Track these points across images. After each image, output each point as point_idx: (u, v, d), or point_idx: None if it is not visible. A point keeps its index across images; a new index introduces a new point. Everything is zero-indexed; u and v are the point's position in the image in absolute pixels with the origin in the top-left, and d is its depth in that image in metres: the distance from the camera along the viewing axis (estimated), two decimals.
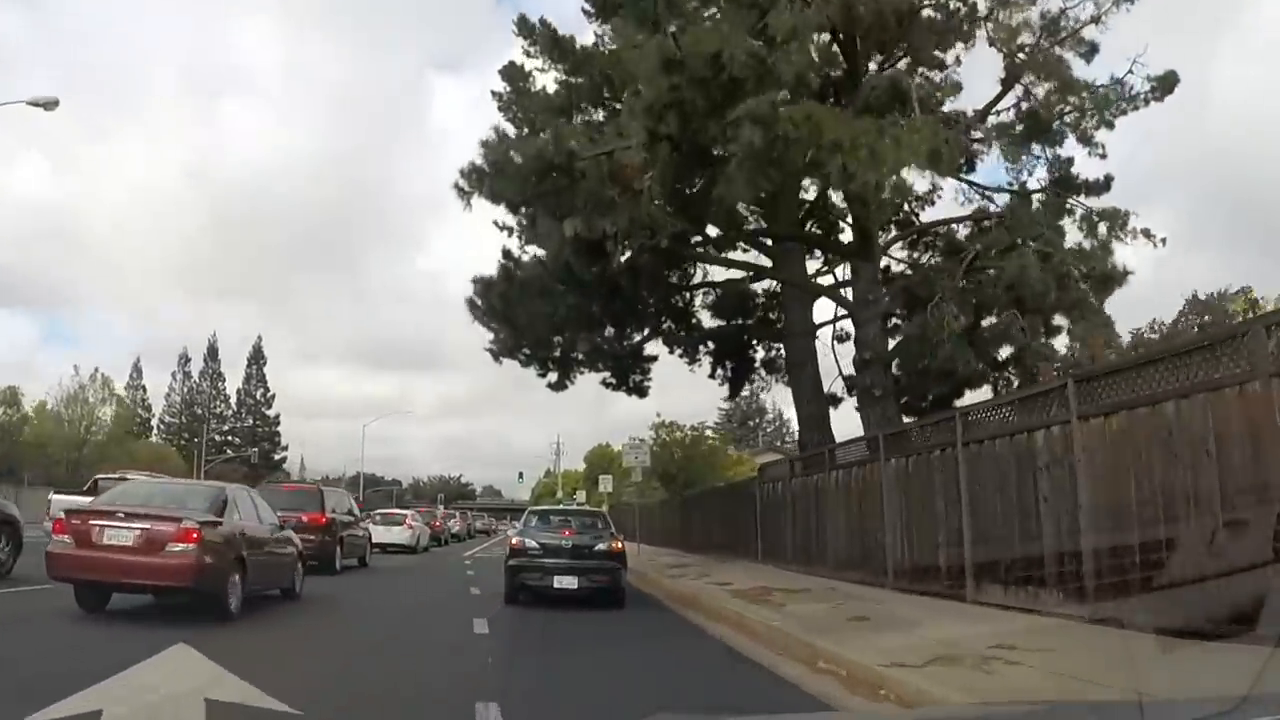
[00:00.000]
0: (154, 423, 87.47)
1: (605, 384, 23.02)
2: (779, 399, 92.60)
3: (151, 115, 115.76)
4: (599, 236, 12.70)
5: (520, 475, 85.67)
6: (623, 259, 14.23)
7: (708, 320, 24.65)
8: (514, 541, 12.86)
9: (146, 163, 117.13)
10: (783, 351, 24.15)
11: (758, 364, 23.34)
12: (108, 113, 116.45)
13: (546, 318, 16.84)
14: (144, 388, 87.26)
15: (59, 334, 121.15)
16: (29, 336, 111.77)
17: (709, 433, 36.75)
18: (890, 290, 16.78)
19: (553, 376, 21.26)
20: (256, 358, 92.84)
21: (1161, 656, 4.96)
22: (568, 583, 11.99)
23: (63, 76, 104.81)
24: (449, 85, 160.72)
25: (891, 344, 16.66)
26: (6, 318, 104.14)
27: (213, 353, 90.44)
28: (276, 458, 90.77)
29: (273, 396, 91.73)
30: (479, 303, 18.12)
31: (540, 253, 15.78)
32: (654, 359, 24.37)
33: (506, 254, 17.79)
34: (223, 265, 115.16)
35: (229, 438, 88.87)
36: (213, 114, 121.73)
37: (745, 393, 25.83)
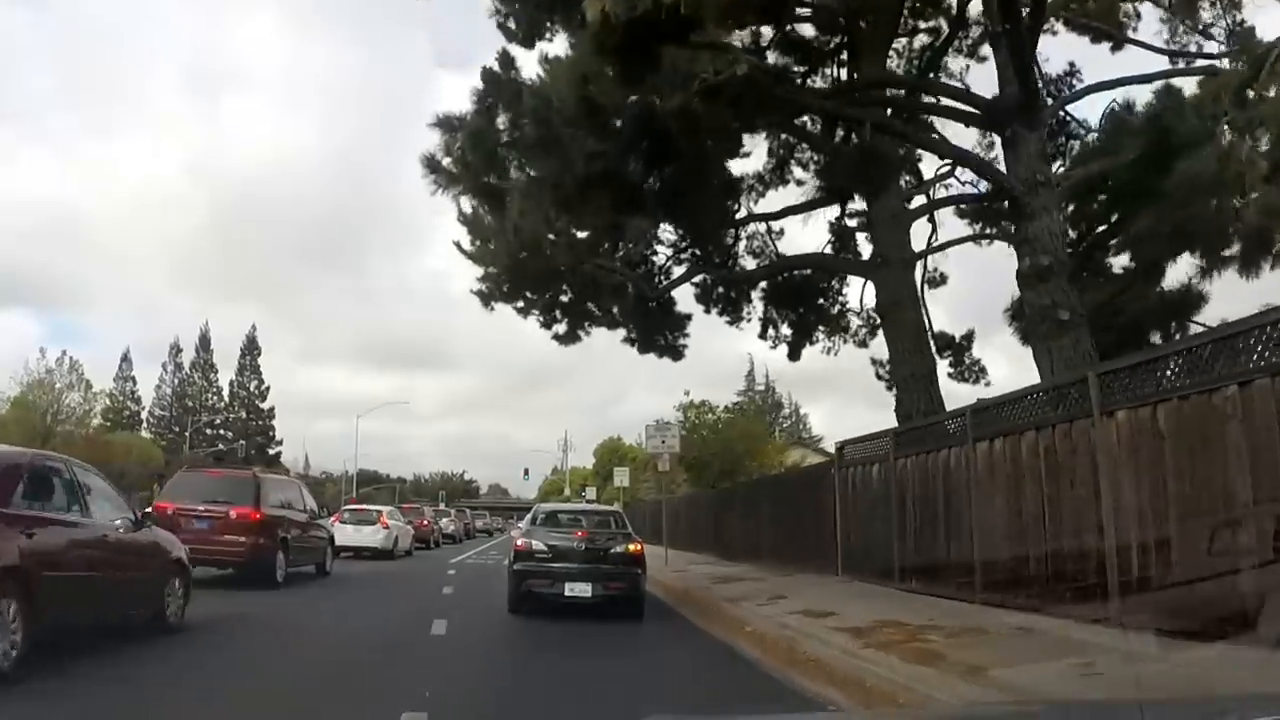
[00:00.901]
0: (144, 416, 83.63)
1: (628, 341, 17.88)
2: (799, 396, 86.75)
3: (153, 113, 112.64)
4: (647, 13, 7.47)
5: (526, 472, 79.87)
6: (674, 102, 9.01)
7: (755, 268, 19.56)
8: (519, 543, 11.18)
9: (148, 160, 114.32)
10: (852, 301, 18.95)
11: (827, 315, 18.08)
12: (110, 109, 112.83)
13: (552, 183, 11.18)
14: (133, 379, 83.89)
15: (59, 334, 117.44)
16: (30, 335, 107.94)
17: (753, 408, 30.00)
18: (1105, 132, 11.44)
19: (560, 327, 16.14)
20: (250, 348, 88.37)
21: None
22: (580, 590, 10.47)
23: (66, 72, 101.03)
24: (455, 83, 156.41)
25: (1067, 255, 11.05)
26: (6, 316, 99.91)
27: (205, 342, 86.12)
28: (271, 452, 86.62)
29: (267, 389, 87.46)
30: (443, 160, 12.39)
31: (542, 64, 10.32)
32: (688, 317, 19.30)
33: (490, 74, 11.74)
34: (226, 264, 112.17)
35: (220, 431, 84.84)
36: (215, 111, 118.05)
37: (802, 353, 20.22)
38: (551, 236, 14.77)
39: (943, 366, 18.60)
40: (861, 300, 18.56)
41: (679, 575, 17.64)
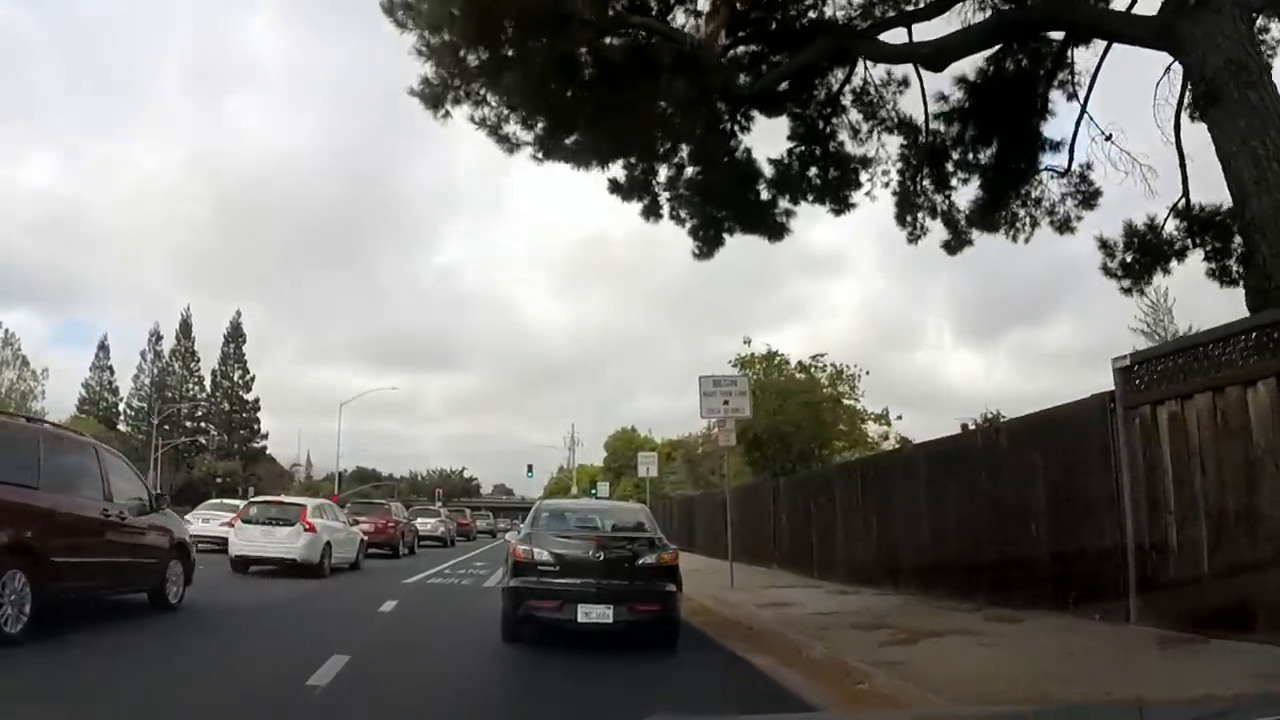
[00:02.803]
0: (122, 408, 77.17)
1: (696, 196, 10.55)
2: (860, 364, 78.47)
3: (156, 110, 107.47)
4: None
5: (530, 468, 72.24)
6: None
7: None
8: (517, 551, 8.79)
9: (151, 158, 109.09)
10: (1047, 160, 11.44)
11: (1036, 154, 10.62)
12: (113, 107, 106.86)
13: None
14: (110, 368, 77.25)
15: (60, 334, 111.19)
16: (32, 333, 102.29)
17: (847, 368, 21.83)
18: None
19: (576, 138, 8.76)
20: (234, 335, 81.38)
21: None
22: (598, 614, 8.30)
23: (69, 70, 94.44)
24: None
25: None
26: (8, 315, 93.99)
27: (185, 329, 79.11)
28: (256, 445, 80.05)
29: (252, 379, 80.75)
30: None
31: None
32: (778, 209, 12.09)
33: None
34: (229, 262, 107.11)
35: (201, 423, 78.17)
36: (218, 109, 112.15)
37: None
38: None
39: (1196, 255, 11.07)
40: (1071, 149, 11.09)
41: (779, 615, 10.12)
